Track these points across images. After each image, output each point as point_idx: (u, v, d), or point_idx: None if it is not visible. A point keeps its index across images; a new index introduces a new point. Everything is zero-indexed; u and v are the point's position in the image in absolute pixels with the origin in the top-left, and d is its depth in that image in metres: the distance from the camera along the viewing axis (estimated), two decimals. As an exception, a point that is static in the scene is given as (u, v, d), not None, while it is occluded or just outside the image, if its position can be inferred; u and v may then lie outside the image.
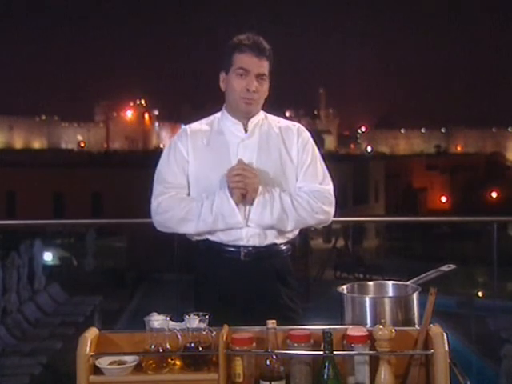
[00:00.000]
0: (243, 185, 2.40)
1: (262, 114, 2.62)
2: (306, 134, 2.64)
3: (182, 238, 2.68)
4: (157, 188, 2.54)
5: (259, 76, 2.48)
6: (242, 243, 2.47)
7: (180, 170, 2.54)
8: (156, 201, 2.52)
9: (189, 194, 2.54)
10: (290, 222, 2.47)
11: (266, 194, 2.44)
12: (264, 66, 2.49)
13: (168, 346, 1.88)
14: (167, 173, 2.55)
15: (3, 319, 7.79)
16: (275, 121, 2.65)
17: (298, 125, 2.67)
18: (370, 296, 2.20)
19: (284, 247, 2.55)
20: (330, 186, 2.57)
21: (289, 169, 2.55)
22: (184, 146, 2.55)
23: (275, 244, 2.51)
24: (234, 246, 2.48)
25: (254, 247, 2.48)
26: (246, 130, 2.57)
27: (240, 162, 2.44)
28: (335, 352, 1.81)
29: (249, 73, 2.47)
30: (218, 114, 2.63)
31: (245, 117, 2.56)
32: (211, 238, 2.51)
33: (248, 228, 2.46)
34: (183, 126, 2.66)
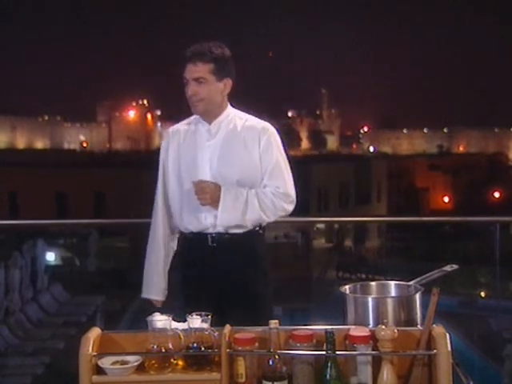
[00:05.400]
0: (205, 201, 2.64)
1: (228, 113, 2.77)
2: (270, 134, 2.76)
3: (184, 237, 2.78)
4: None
5: (196, 80, 2.69)
6: (208, 231, 2.70)
7: (160, 179, 2.85)
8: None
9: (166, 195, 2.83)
10: (252, 221, 2.69)
11: (228, 196, 2.66)
12: (199, 70, 2.68)
13: (170, 346, 1.89)
14: (157, 190, 2.87)
15: (6, 319, 7.78)
16: (242, 119, 2.78)
17: (262, 124, 2.79)
18: (373, 296, 2.21)
19: (250, 232, 2.72)
20: (291, 185, 2.76)
21: (251, 169, 2.71)
22: (165, 145, 2.84)
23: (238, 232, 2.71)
24: (201, 234, 2.71)
25: (219, 233, 2.70)
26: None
27: (195, 184, 2.66)
28: (338, 352, 1.82)
29: (188, 80, 2.70)
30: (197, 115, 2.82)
31: (207, 118, 2.75)
32: (184, 230, 2.77)
33: (211, 219, 2.69)
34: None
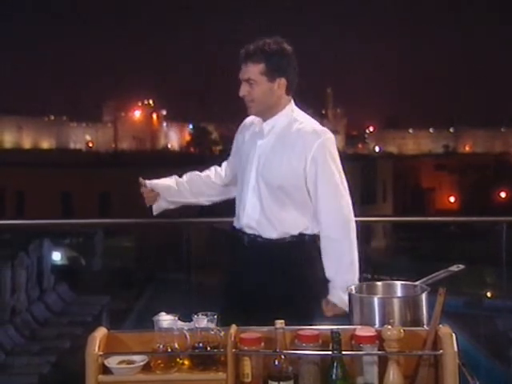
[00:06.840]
0: None
1: (286, 114, 2.65)
2: (323, 140, 2.59)
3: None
4: None
5: (247, 81, 2.62)
6: (244, 230, 2.68)
7: (230, 160, 2.91)
8: None
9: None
10: (356, 265, 2.67)
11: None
12: (249, 71, 2.61)
13: (176, 346, 1.89)
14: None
15: (12, 319, 7.82)
16: (297, 122, 2.64)
17: (316, 128, 2.63)
18: (379, 296, 2.20)
19: (286, 240, 2.63)
20: (346, 203, 2.73)
21: (295, 176, 2.59)
22: (239, 134, 2.85)
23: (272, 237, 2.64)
24: (241, 232, 2.69)
25: (254, 235, 2.65)
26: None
27: None
28: (344, 352, 1.81)
29: (241, 81, 2.65)
30: None
31: (263, 118, 2.68)
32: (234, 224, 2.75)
33: (247, 218, 2.66)
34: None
